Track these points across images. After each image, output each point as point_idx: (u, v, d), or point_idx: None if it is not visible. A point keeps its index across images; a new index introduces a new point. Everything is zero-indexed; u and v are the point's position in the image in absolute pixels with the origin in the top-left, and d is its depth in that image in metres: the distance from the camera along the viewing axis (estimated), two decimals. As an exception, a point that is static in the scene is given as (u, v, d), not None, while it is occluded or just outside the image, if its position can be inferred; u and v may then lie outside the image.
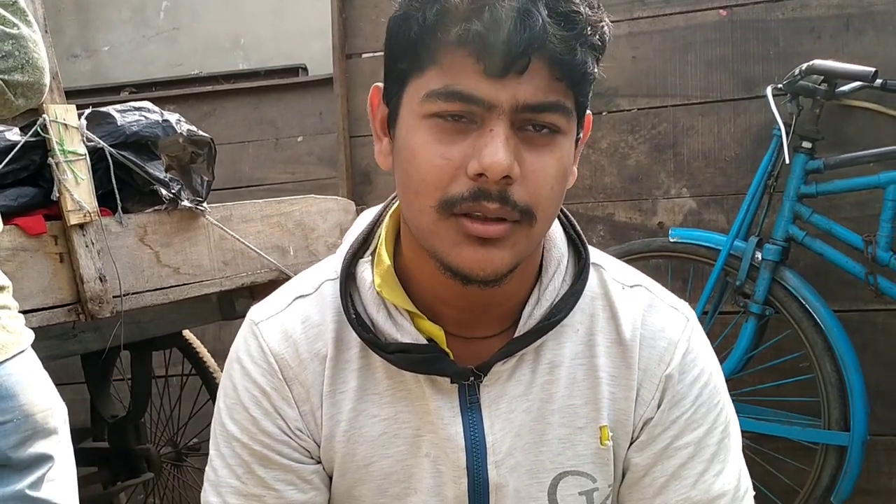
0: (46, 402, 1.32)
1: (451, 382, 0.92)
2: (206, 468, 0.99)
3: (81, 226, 1.69)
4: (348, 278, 0.94)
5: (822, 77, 2.22)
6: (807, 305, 2.26)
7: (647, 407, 0.94)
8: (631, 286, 0.97)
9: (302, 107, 3.25)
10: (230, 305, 2.21)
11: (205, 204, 1.90)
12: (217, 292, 2.15)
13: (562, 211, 0.97)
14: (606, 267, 0.98)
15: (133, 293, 1.77)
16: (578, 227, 0.97)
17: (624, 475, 0.98)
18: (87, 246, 1.70)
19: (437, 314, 0.92)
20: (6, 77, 1.25)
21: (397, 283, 0.92)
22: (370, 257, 0.95)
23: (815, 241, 2.27)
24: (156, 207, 1.88)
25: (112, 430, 2.49)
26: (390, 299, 0.91)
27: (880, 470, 2.44)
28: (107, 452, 2.49)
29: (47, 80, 1.31)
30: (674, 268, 2.55)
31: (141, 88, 3.62)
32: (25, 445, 1.28)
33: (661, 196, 2.63)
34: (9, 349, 1.29)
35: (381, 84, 0.90)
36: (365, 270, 0.93)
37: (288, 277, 2.08)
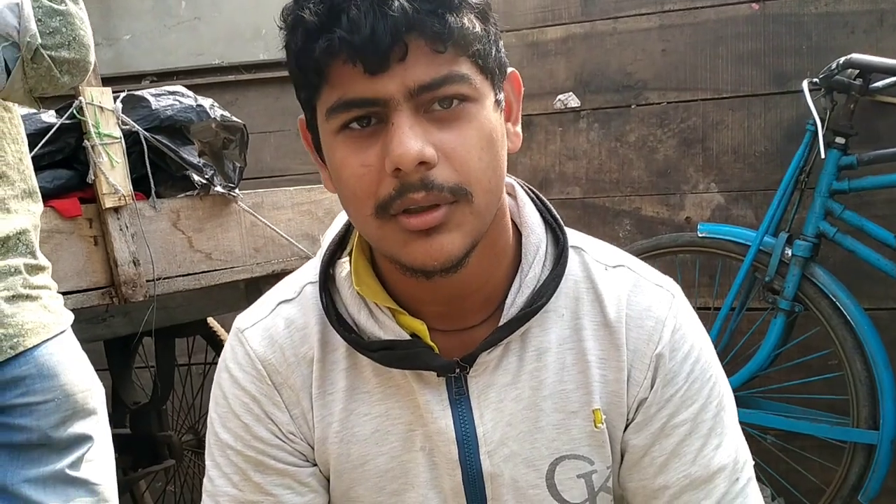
0: (86, 383, 1.32)
1: (438, 376, 0.91)
2: (204, 480, 0.99)
3: (116, 209, 1.69)
4: (327, 279, 0.94)
5: (857, 72, 2.20)
6: (837, 302, 2.25)
7: (640, 387, 0.93)
8: (614, 266, 0.96)
9: (324, 97, 3.24)
10: (258, 293, 2.19)
11: (237, 190, 1.90)
12: (246, 279, 2.14)
13: (535, 194, 0.96)
14: (587, 249, 0.97)
15: (165, 278, 1.77)
16: (554, 211, 0.96)
17: (623, 457, 0.97)
18: (121, 229, 1.69)
19: (417, 310, 0.92)
20: (53, 53, 1.24)
21: (376, 280, 0.92)
22: (348, 257, 0.95)
23: (847, 237, 2.25)
24: (188, 193, 1.87)
25: (134, 416, 2.49)
26: (370, 297, 0.91)
27: (908, 470, 2.42)
28: (128, 439, 2.49)
29: (92, 57, 1.31)
30: (702, 263, 2.53)
31: (162, 77, 3.62)
32: (66, 425, 1.28)
33: (689, 191, 2.61)
34: (50, 329, 1.29)
35: (303, 117, 0.90)
36: (343, 271, 0.93)
37: (317, 265, 2.08)
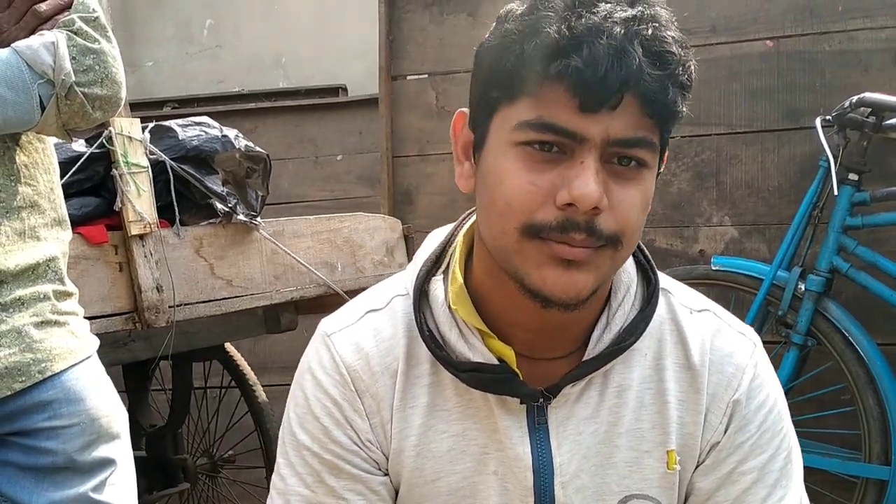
0: (111, 407, 1.35)
1: (521, 403, 0.93)
2: (273, 477, 1.00)
3: (141, 236, 1.72)
4: (421, 296, 0.95)
5: (871, 110, 2.23)
6: (850, 337, 2.26)
7: (715, 431, 0.95)
8: (699, 311, 0.98)
9: (342, 126, 3.29)
10: (275, 319, 2.23)
11: (258, 218, 1.94)
12: (265, 306, 2.18)
13: None
14: (674, 292, 0.99)
15: (187, 304, 1.80)
16: (648, 253, 0.98)
17: (687, 498, 0.98)
18: (145, 256, 1.73)
19: (507, 335, 0.93)
20: (86, 90, 1.28)
21: (470, 302, 0.93)
22: (442, 275, 0.96)
23: (860, 273, 2.27)
24: (211, 220, 1.91)
25: (150, 439, 2.51)
26: (464, 317, 0.92)
27: (920, 506, 2.42)
28: (144, 461, 2.51)
29: (124, 93, 1.35)
30: (715, 296, 2.53)
31: (183, 104, 3.68)
32: (90, 449, 1.30)
33: (702, 224, 2.63)
34: (77, 354, 1.32)
35: (465, 110, 0.92)
36: (437, 288, 0.95)
37: (335, 293, 2.11)
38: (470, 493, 0.96)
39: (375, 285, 1.03)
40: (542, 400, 0.93)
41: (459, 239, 0.98)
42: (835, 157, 2.26)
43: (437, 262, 0.98)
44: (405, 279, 0.99)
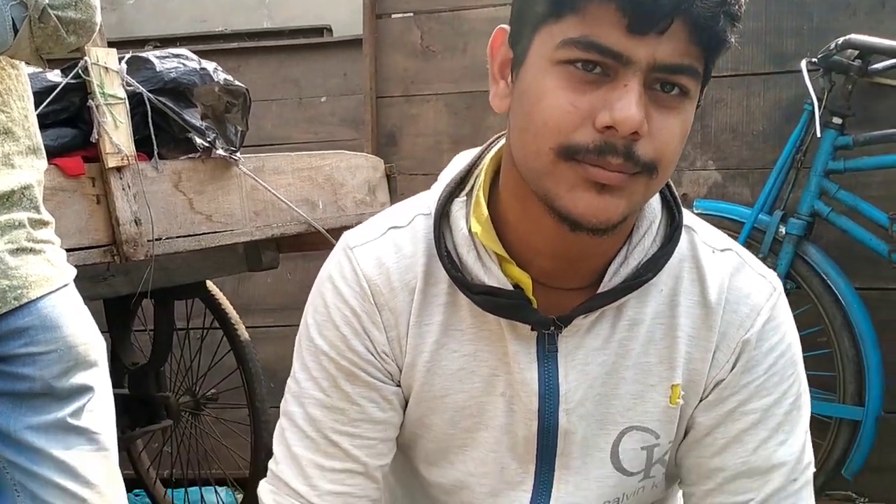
0: (88, 336, 1.35)
1: (532, 330, 0.93)
2: (288, 381, 1.01)
3: (119, 169, 1.70)
4: (442, 216, 0.95)
5: (857, 53, 2.22)
6: (828, 281, 2.28)
7: (721, 369, 0.95)
8: (721, 250, 0.97)
9: (326, 67, 3.25)
10: (256, 257, 2.23)
11: (238, 154, 1.92)
12: (245, 243, 2.17)
13: None
14: (698, 230, 0.98)
15: (166, 238, 1.79)
16: (674, 189, 0.97)
17: (687, 433, 0.99)
18: (123, 189, 1.71)
19: (526, 262, 0.92)
20: (60, 13, 1.25)
21: (491, 226, 0.93)
22: (465, 198, 0.96)
23: (840, 217, 2.28)
24: (190, 155, 1.89)
25: (132, 377, 2.52)
26: (483, 241, 0.91)
27: (892, 447, 2.46)
28: (126, 399, 2.52)
29: (98, 18, 1.32)
30: (696, 239, 2.56)
31: (165, 43, 3.61)
32: (67, 376, 1.31)
33: (686, 168, 2.63)
34: (53, 282, 1.32)
35: (505, 26, 0.90)
36: (459, 210, 0.94)
37: (316, 231, 2.10)
38: (476, 412, 0.97)
39: (400, 202, 1.03)
40: (553, 329, 0.93)
41: (486, 162, 0.97)
42: (819, 101, 2.25)
43: (461, 183, 0.97)
44: (428, 199, 0.99)
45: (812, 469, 0.98)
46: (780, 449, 0.94)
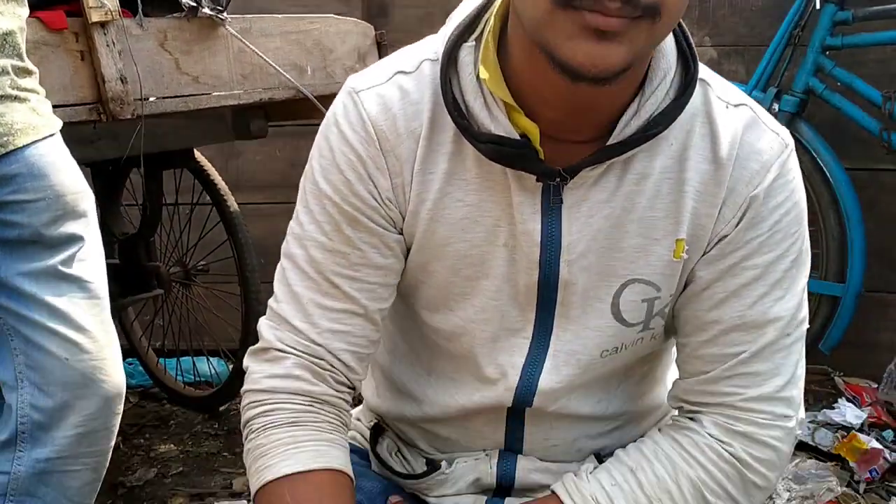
0: (77, 186, 1.35)
1: (537, 181, 0.92)
2: (291, 223, 1.00)
3: (103, 24, 1.66)
4: (449, 61, 0.92)
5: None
6: (818, 159, 2.28)
7: (727, 224, 0.94)
8: (735, 105, 0.94)
9: (316, -65, 3.13)
10: (244, 124, 2.21)
11: (225, 14, 1.87)
12: (232, 109, 2.14)
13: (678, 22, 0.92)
14: (713, 84, 0.95)
15: (153, 98, 1.76)
16: (691, 40, 0.93)
17: (686, 287, 0.99)
18: (108, 45, 1.67)
19: (534, 112, 0.90)
20: None
21: (500, 73, 0.90)
22: (474, 43, 0.93)
23: (834, 94, 2.27)
24: (175, 14, 1.84)
25: (123, 246, 2.53)
26: (492, 88, 0.89)
27: (869, 324, 2.52)
28: (116, 267, 2.53)
29: None
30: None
31: None
32: (57, 224, 1.31)
33: (682, 44, 2.59)
34: (40, 130, 1.30)
35: None
36: (467, 55, 0.91)
37: (305, 98, 2.07)
38: (478, 261, 0.97)
39: (407, 46, 1.00)
40: (559, 180, 0.92)
41: (497, 5, 0.93)
42: (820, -27, 2.21)
43: (469, 27, 0.94)
44: (436, 44, 0.96)
45: (805, 325, 1.00)
46: (777, 305, 0.95)
